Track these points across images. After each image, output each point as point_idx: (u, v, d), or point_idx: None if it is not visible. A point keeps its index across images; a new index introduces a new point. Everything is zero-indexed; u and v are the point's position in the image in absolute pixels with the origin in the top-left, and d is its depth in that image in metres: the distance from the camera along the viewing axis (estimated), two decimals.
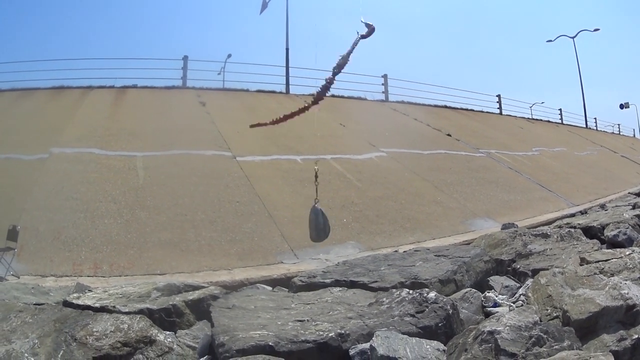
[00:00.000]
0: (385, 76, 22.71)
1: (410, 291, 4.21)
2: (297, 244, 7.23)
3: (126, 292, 4.62)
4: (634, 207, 10.17)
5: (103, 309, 4.09)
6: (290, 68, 20.54)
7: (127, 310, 4.08)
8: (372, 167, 11.50)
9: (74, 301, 4.28)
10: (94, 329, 3.61)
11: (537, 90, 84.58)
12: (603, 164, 20.66)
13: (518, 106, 30.58)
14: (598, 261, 5.02)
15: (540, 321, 3.65)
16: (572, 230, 7.18)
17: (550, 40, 40.14)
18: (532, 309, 3.95)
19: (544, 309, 4.07)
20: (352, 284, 4.96)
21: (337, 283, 5.01)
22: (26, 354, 3.30)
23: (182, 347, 3.72)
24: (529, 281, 5.11)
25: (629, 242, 6.59)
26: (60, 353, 3.36)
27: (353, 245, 7.46)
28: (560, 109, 33.70)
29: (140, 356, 3.50)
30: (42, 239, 6.64)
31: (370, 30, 3.98)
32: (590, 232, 7.39)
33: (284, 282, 5.71)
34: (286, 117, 4.39)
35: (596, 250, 6.06)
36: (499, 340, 3.15)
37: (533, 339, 3.21)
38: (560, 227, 7.87)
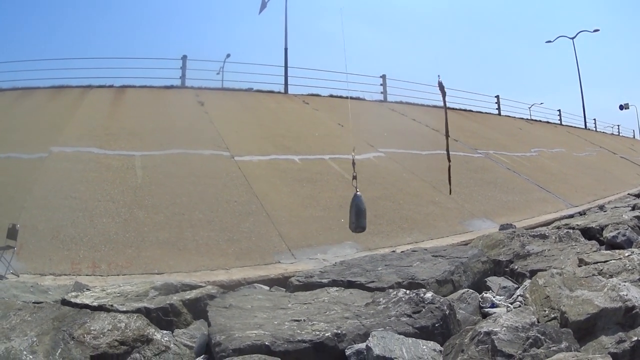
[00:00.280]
0: (383, 76, 22.71)
1: (407, 291, 4.21)
2: (295, 244, 7.24)
3: (124, 291, 4.62)
4: (634, 208, 10.18)
5: (101, 308, 4.10)
6: (289, 68, 20.55)
7: (124, 309, 4.08)
8: (370, 167, 11.49)
9: (72, 300, 4.29)
10: (92, 328, 3.62)
11: (536, 91, 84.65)
12: (602, 165, 20.67)
13: (517, 107, 30.57)
14: (597, 262, 5.02)
15: (538, 322, 3.66)
16: (571, 231, 7.19)
17: (550, 41, 40.15)
18: (530, 310, 3.95)
19: (542, 310, 4.07)
20: (349, 284, 4.96)
21: (334, 283, 5.01)
22: (25, 352, 3.30)
23: (179, 346, 3.72)
24: (527, 282, 5.12)
25: (628, 244, 6.59)
26: (58, 351, 3.37)
27: (350, 245, 7.46)
28: (559, 110, 33.73)
29: (137, 355, 3.50)
30: (41, 238, 6.64)
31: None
32: (589, 233, 7.40)
33: (281, 282, 5.71)
34: None
35: (595, 251, 6.07)
36: (495, 341, 3.15)
37: (530, 340, 3.21)
38: (558, 228, 7.87)
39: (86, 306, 4.13)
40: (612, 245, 6.68)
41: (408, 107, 21.05)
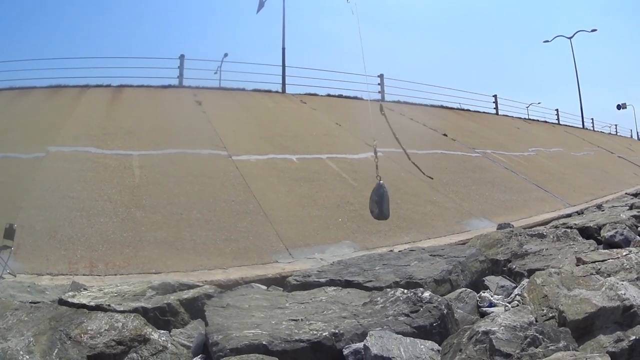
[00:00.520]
0: (381, 76, 22.73)
1: (405, 291, 4.21)
2: (292, 243, 7.23)
3: (121, 290, 4.61)
4: (631, 207, 10.20)
5: (98, 308, 4.08)
6: (286, 67, 20.56)
7: (121, 308, 4.07)
8: (368, 167, 11.46)
9: (70, 300, 4.27)
10: (89, 328, 3.61)
11: (534, 90, 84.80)
12: (600, 164, 20.71)
13: (515, 106, 30.64)
14: (594, 261, 5.02)
15: (536, 321, 3.65)
16: (569, 230, 7.20)
17: (547, 41, 40.30)
18: (528, 309, 3.95)
19: (540, 309, 4.07)
20: (347, 284, 4.96)
21: (331, 282, 5.00)
22: (21, 352, 3.29)
23: (176, 346, 3.71)
24: (525, 281, 5.12)
25: (625, 243, 6.60)
26: (55, 351, 3.36)
27: (348, 245, 7.46)
28: (557, 110, 33.79)
29: (135, 355, 3.50)
30: (38, 238, 6.62)
31: None
32: (587, 233, 7.41)
33: (279, 282, 5.70)
34: None
35: (593, 250, 6.07)
36: (493, 341, 3.14)
37: (528, 340, 3.21)
38: (556, 227, 7.88)
39: (83, 306, 4.12)
40: (610, 244, 6.69)
41: (406, 107, 21.05)
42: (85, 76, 18.36)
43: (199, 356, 3.61)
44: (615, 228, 7.09)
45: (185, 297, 4.50)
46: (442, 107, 23.77)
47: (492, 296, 4.92)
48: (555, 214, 10.70)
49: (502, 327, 3.29)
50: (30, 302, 4.27)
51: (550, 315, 3.90)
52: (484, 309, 4.59)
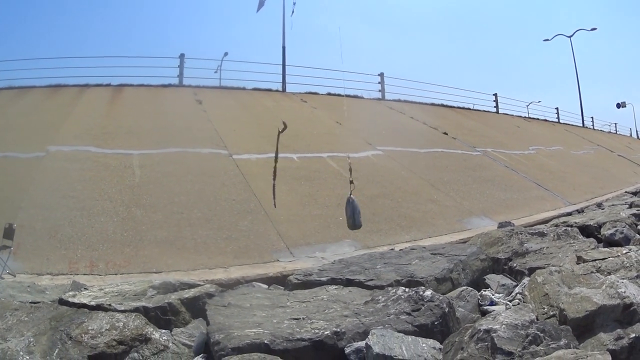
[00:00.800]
0: (381, 74, 22.73)
1: (406, 289, 4.20)
2: (293, 242, 7.23)
3: (122, 290, 4.61)
4: (631, 206, 10.21)
5: (99, 307, 4.08)
6: (286, 66, 20.55)
7: (122, 308, 4.07)
8: (369, 166, 11.49)
9: (70, 299, 4.27)
10: (89, 327, 3.60)
11: (534, 89, 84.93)
12: (600, 163, 20.71)
13: (515, 105, 30.67)
14: (595, 260, 5.02)
15: (537, 320, 3.65)
16: (569, 229, 7.21)
17: (547, 39, 40.30)
18: (529, 308, 3.95)
19: (541, 307, 4.07)
20: (348, 282, 4.95)
21: (333, 281, 5.00)
22: (21, 352, 3.29)
23: (177, 345, 3.71)
24: (526, 280, 5.11)
25: (625, 241, 6.61)
26: (56, 351, 3.35)
27: (349, 244, 7.46)
28: (557, 108, 33.81)
29: (136, 354, 3.49)
30: (38, 237, 6.61)
31: None
32: (587, 231, 7.41)
33: (280, 280, 5.70)
34: None
35: (593, 249, 6.07)
36: (495, 339, 3.14)
37: (529, 338, 3.21)
38: (556, 225, 7.88)
39: (84, 306, 4.11)
40: (610, 242, 6.69)
41: (406, 105, 21.07)
42: (85, 75, 18.50)
43: (200, 355, 3.60)
44: (616, 226, 7.09)
45: (186, 296, 4.50)
46: (442, 105, 23.78)
47: (493, 295, 4.91)
48: (555, 212, 10.69)
49: (504, 326, 3.29)
50: (30, 302, 4.26)
51: (551, 313, 3.90)
52: (485, 307, 4.59)
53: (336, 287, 4.75)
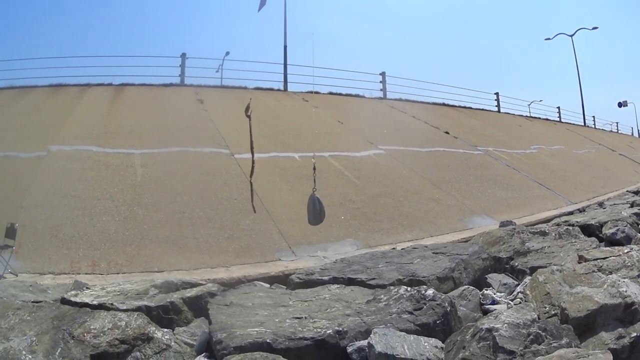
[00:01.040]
0: (383, 74, 22.71)
1: (408, 288, 4.21)
2: (295, 241, 7.24)
3: (124, 289, 4.61)
4: (632, 205, 10.20)
5: (101, 307, 4.08)
6: (288, 65, 20.53)
7: (124, 307, 4.07)
8: (370, 165, 11.49)
9: (72, 299, 4.27)
10: (92, 327, 3.61)
11: (536, 88, 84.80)
12: (601, 162, 20.68)
13: (516, 104, 30.77)
14: (596, 259, 5.03)
15: (539, 319, 3.66)
16: (570, 228, 7.21)
17: (549, 39, 40.28)
18: (530, 307, 3.96)
19: (542, 306, 4.07)
20: (350, 281, 4.95)
21: (334, 280, 5.00)
22: (24, 352, 3.29)
23: (179, 344, 3.72)
24: (527, 279, 5.11)
25: (627, 240, 6.61)
26: (58, 350, 3.36)
27: (351, 243, 7.47)
28: (558, 107, 33.79)
29: (138, 353, 3.50)
30: (40, 237, 6.62)
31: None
32: (589, 230, 7.42)
33: (282, 280, 5.71)
34: None
35: (594, 248, 6.07)
36: (497, 338, 3.15)
37: (531, 337, 3.21)
38: (558, 225, 7.89)
39: (86, 305, 4.12)
40: (612, 242, 6.69)
41: (408, 104, 21.06)
42: (87, 75, 18.48)
43: (202, 354, 3.60)
44: (617, 226, 7.10)
45: (188, 295, 4.50)
46: (444, 104, 23.76)
47: (494, 294, 4.92)
48: (557, 211, 10.69)
49: (505, 325, 3.30)
50: (32, 302, 4.27)
51: (553, 312, 3.91)
52: (487, 306, 4.59)
53: (338, 286, 4.76)
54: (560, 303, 3.88)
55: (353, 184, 9.95)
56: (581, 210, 10.73)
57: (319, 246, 7.20)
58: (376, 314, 3.82)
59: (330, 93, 19.91)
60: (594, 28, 38.49)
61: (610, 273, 4.46)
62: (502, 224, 8.45)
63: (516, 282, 5.37)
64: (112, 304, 4.14)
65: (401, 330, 3.48)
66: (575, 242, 6.53)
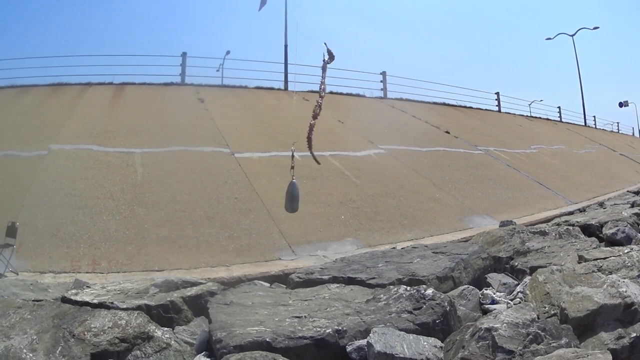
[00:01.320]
0: (384, 73, 22.68)
1: (408, 288, 4.22)
2: (295, 241, 7.24)
3: (124, 288, 4.62)
4: (633, 205, 10.20)
5: (101, 305, 4.10)
6: (289, 65, 20.50)
7: (125, 306, 4.09)
8: (371, 164, 11.49)
9: (72, 297, 4.29)
10: (92, 325, 3.62)
11: (536, 88, 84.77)
12: (602, 162, 20.67)
13: (517, 104, 30.75)
14: (596, 259, 5.03)
15: (538, 319, 3.66)
16: (571, 228, 7.21)
17: (550, 38, 40.19)
18: (530, 307, 3.96)
19: (542, 306, 4.07)
20: (350, 281, 4.96)
21: (334, 279, 5.01)
22: (25, 350, 3.30)
23: (179, 343, 3.73)
24: (527, 279, 5.12)
25: (627, 241, 6.60)
26: (59, 349, 3.37)
27: (351, 242, 7.47)
28: (559, 107, 33.72)
29: (138, 352, 3.51)
30: (40, 236, 6.63)
31: (331, 57, 4.48)
32: (589, 230, 7.41)
33: (282, 279, 5.71)
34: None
35: (594, 248, 6.07)
36: (496, 337, 3.15)
37: (530, 336, 3.22)
38: (558, 224, 7.89)
39: (86, 304, 4.13)
40: (612, 242, 6.69)
41: (408, 104, 21.05)
42: (87, 74, 18.44)
43: (202, 353, 3.61)
44: (617, 226, 7.09)
45: (188, 294, 4.52)
46: (444, 104, 23.75)
47: (494, 293, 4.92)
48: (557, 211, 10.69)
49: (505, 324, 3.30)
50: (33, 300, 4.28)
51: (552, 312, 3.91)
52: (486, 306, 4.60)
53: (338, 285, 4.77)
54: (559, 303, 3.88)
55: (353, 183, 9.96)
56: (581, 210, 10.73)
57: (319, 245, 7.20)
58: (376, 313, 3.83)
59: (331, 92, 19.88)
60: (595, 28, 38.43)
61: (610, 273, 4.46)
62: (502, 224, 8.46)
63: (516, 282, 5.38)
64: (112, 302, 4.15)
65: (400, 330, 3.49)
66: (575, 242, 6.53)
